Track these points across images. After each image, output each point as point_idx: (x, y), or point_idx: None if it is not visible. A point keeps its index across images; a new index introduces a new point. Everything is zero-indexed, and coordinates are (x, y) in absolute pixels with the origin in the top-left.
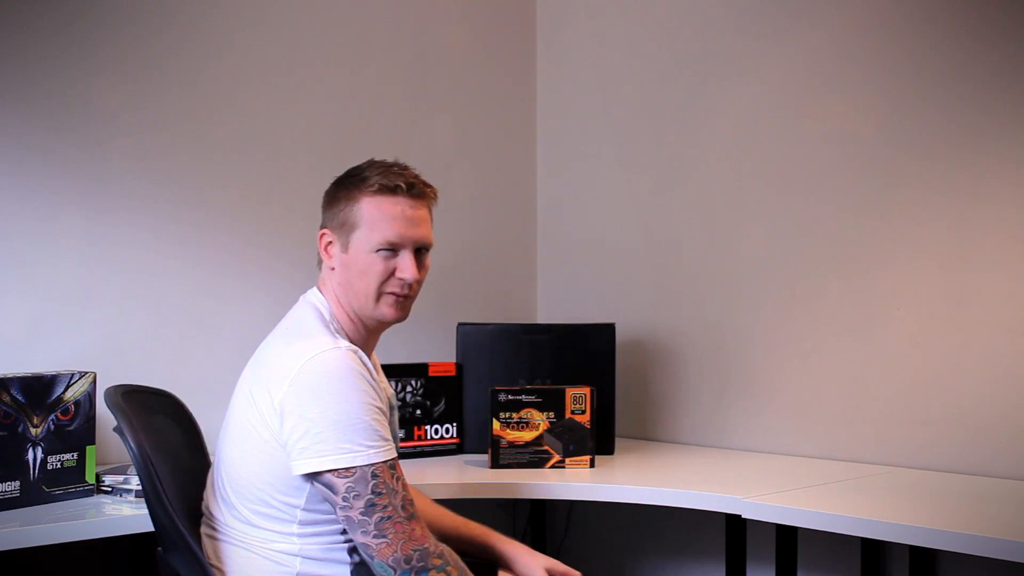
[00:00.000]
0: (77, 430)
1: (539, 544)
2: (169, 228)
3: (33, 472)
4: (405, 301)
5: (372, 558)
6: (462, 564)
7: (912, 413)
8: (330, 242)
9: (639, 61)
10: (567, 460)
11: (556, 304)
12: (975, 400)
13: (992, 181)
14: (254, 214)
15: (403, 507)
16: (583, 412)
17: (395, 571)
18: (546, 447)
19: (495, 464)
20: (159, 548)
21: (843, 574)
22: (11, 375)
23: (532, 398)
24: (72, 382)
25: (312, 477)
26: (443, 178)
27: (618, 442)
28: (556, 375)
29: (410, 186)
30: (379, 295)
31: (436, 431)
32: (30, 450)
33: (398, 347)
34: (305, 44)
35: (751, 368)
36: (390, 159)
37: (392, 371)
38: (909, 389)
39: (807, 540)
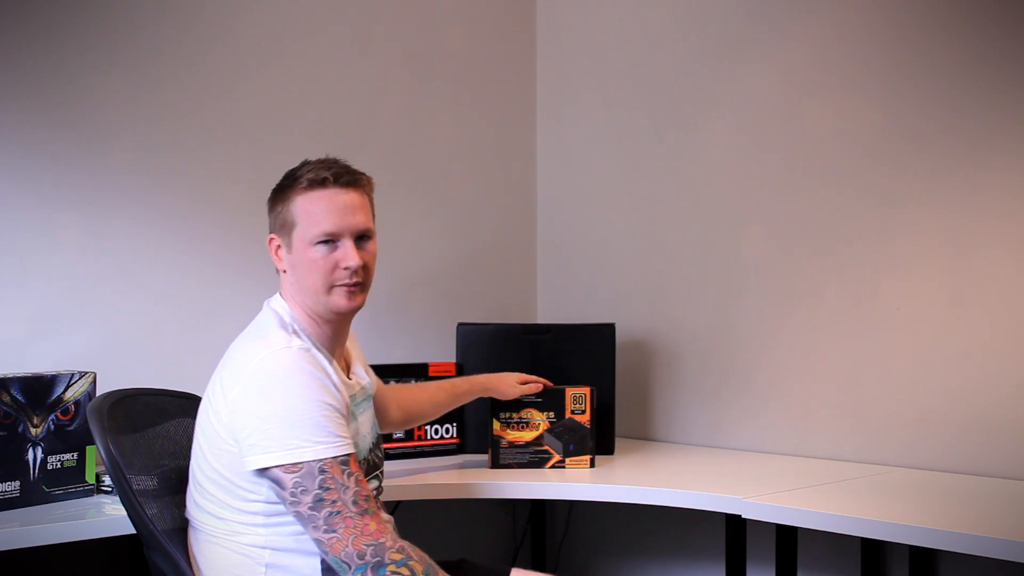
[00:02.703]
0: (77, 430)
1: (539, 544)
2: (169, 226)
3: (33, 472)
4: (356, 289)
5: (327, 553)
6: (428, 560)
7: (912, 413)
8: (279, 246)
9: (639, 61)
10: (567, 460)
11: (556, 304)
12: (975, 400)
13: (993, 181)
14: (254, 212)
15: (354, 502)
16: (583, 412)
17: (349, 567)
18: (546, 447)
19: (495, 464)
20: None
21: (843, 574)
22: (11, 375)
23: (532, 398)
24: (72, 382)
25: (262, 473)
26: (443, 178)
27: (618, 442)
28: (556, 375)
29: (337, 176)
30: (329, 288)
31: (436, 431)
32: (30, 450)
33: (398, 347)
34: (305, 43)
35: (751, 368)
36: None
37: (392, 371)
38: (909, 389)
39: (807, 540)
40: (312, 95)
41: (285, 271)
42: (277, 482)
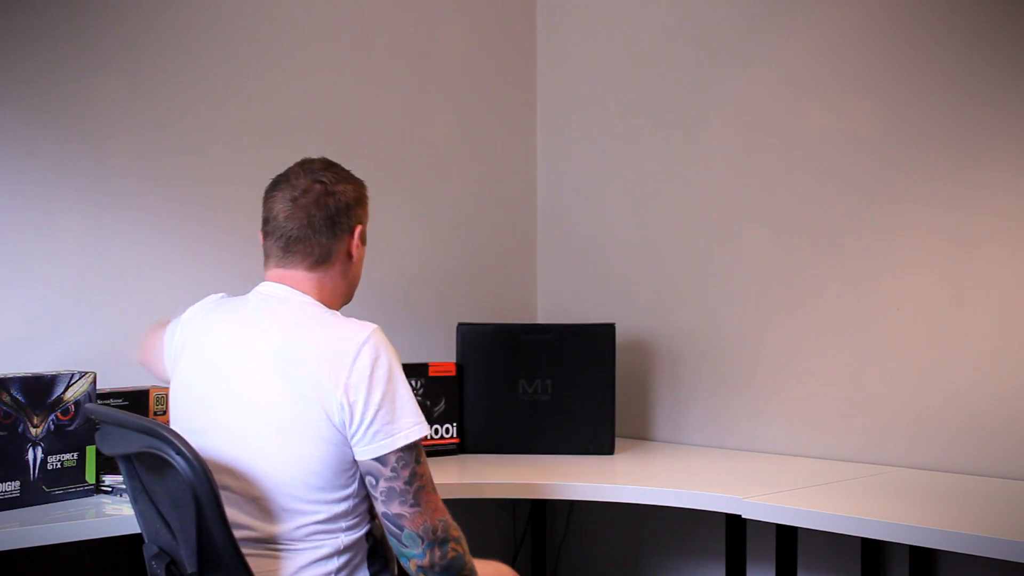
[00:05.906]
0: (77, 430)
1: (539, 544)
2: (169, 226)
3: (33, 472)
4: None
5: (402, 528)
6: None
7: (912, 413)
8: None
9: (639, 61)
10: None
11: (556, 304)
12: (975, 400)
13: (993, 180)
14: (254, 213)
15: (430, 478)
16: None
17: (422, 540)
18: None
19: None
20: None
21: (843, 574)
22: (11, 375)
23: None
24: (72, 382)
25: (378, 459)
26: (443, 178)
27: (618, 442)
28: (556, 375)
29: None
30: None
31: (436, 431)
32: (30, 450)
33: (398, 347)
34: (305, 43)
35: (751, 368)
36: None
37: None
38: (909, 389)
39: (807, 540)
40: (312, 96)
41: (355, 262)
42: (381, 461)
